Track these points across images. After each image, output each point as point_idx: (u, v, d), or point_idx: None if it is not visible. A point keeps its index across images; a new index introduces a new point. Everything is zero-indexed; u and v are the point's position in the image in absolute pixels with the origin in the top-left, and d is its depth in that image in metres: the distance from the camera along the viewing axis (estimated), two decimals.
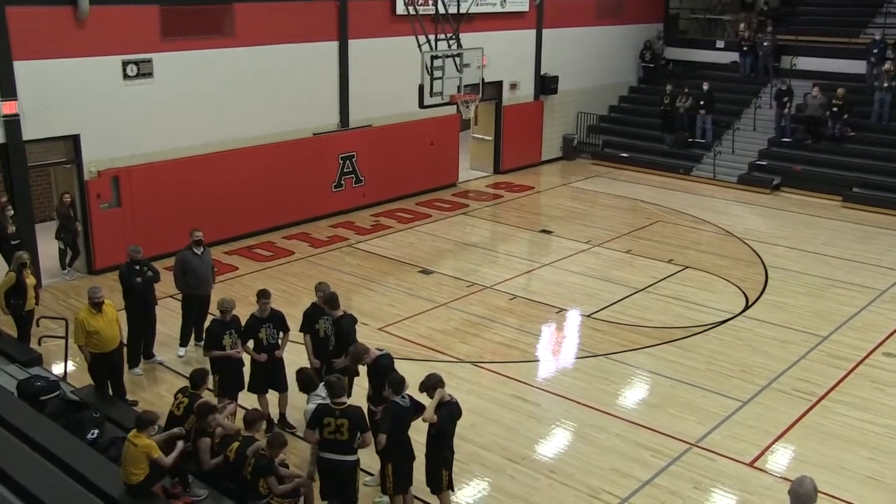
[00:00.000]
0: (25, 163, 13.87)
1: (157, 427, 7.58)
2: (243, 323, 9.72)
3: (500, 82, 22.16)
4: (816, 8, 26.50)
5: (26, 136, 13.67)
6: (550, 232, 18.08)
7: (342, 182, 18.65)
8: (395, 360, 8.67)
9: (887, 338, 12.76)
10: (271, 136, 17.11)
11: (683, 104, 23.20)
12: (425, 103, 15.86)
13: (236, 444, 7.49)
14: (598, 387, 11.18)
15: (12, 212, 13.36)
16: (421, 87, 15.53)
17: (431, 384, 7.75)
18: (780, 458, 9.59)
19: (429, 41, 15.92)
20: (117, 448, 7.87)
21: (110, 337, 9.84)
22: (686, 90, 23.30)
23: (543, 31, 23.02)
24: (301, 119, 17.67)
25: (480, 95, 17.35)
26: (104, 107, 14.54)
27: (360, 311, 12.39)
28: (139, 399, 10.52)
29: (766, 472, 9.29)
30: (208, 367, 9.21)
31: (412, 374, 8.34)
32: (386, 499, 8.23)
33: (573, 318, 13.55)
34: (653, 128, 24.18)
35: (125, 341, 10.72)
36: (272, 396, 9.93)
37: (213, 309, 10.53)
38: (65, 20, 13.88)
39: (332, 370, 9.00)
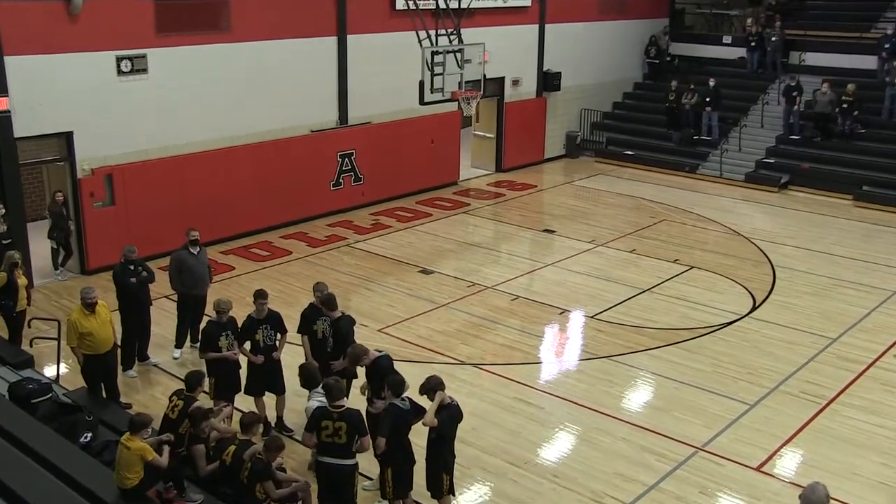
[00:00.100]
0: (17, 160, 13.73)
1: (150, 430, 7.49)
2: (240, 324, 9.60)
3: (502, 78, 21.98)
4: (826, 2, 26.16)
5: (18, 133, 13.51)
6: (553, 231, 17.89)
7: (341, 180, 18.45)
8: (394, 361, 8.57)
9: None
10: (269, 134, 16.95)
11: (689, 101, 22.92)
12: (426, 100, 15.82)
13: (233, 447, 7.44)
14: (601, 389, 11.03)
15: (3, 210, 13.18)
16: (421, 84, 15.45)
17: (432, 386, 7.65)
18: (789, 463, 9.44)
19: (429, 36, 15.83)
20: (111, 452, 7.80)
21: (104, 338, 9.74)
22: (692, 86, 23.01)
23: (546, 26, 22.82)
24: (299, 116, 17.48)
25: (482, 92, 17.26)
26: (97, 103, 14.37)
27: (359, 311, 12.32)
28: (133, 402, 10.43)
29: (774, 476, 9.14)
30: (204, 369, 9.09)
31: (412, 376, 8.23)
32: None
33: (576, 319, 13.38)
34: (658, 125, 23.94)
35: (119, 343, 10.59)
36: (269, 399, 9.82)
37: (210, 310, 10.39)
38: (57, 14, 13.70)
39: (330, 372, 8.87)
